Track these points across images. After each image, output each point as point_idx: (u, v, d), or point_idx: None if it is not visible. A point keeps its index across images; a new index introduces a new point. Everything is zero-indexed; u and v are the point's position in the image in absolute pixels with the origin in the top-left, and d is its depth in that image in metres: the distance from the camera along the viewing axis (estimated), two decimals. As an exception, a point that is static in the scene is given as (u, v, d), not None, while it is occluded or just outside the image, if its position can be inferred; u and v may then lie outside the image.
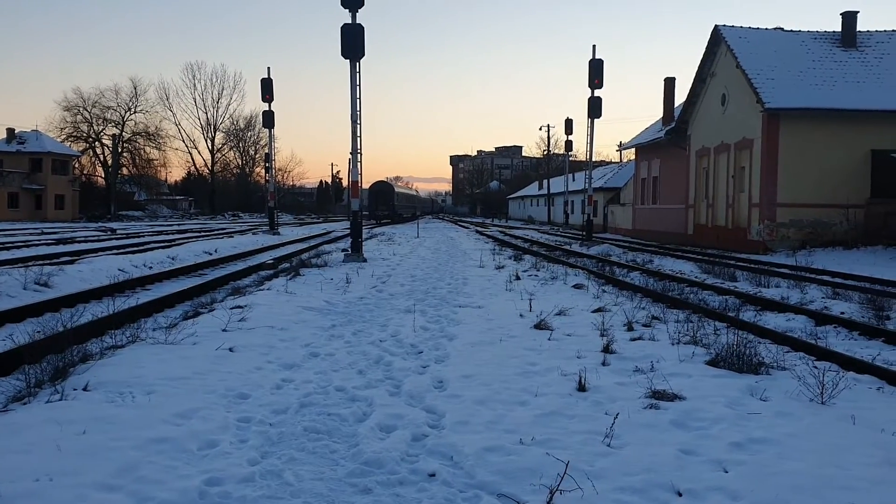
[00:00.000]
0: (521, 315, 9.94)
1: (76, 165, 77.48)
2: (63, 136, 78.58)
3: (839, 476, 4.08)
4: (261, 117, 40.33)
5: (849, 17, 28.74)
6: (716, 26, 29.19)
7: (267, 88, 36.29)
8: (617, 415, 5.04)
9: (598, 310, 10.40)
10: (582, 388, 5.96)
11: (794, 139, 25.49)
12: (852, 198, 25.25)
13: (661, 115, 39.65)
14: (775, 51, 27.52)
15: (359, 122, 20.02)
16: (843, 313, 10.64)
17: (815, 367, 6.49)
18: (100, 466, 4.05)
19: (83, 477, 3.90)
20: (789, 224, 25.68)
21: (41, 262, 16.80)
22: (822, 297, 12.54)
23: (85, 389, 5.55)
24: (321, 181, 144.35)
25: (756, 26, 29.38)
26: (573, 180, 62.22)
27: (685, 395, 5.70)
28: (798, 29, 29.58)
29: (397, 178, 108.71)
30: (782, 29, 29.79)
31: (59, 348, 6.54)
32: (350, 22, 19.19)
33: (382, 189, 67.15)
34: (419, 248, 26.23)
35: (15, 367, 6.46)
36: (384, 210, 64.89)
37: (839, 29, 28.89)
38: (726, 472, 4.20)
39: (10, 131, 70.63)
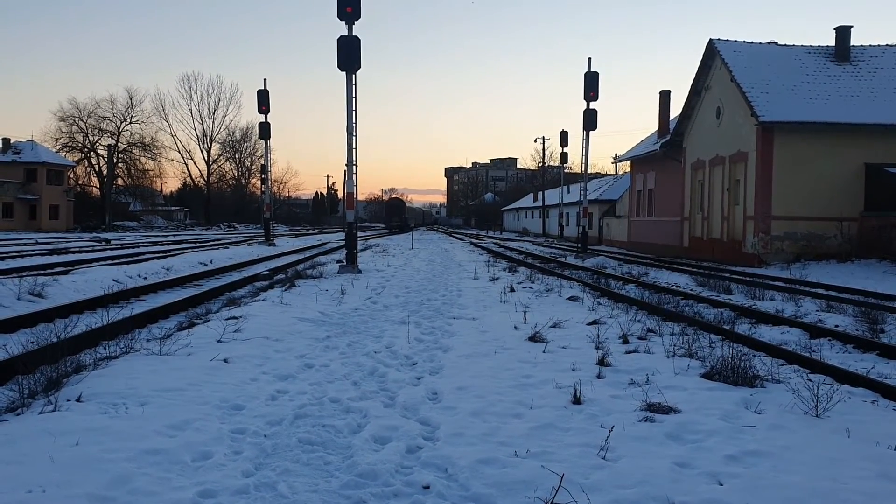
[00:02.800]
0: (515, 327, 9.94)
1: (71, 176, 77.47)
2: (58, 147, 78.68)
3: (834, 489, 4.09)
4: (257, 128, 40.47)
5: (842, 32, 28.97)
6: (711, 40, 29.39)
7: (263, 100, 36.37)
8: (612, 427, 5.04)
9: (594, 322, 10.40)
10: (577, 400, 5.95)
11: (788, 152, 25.64)
12: (846, 211, 25.40)
13: (656, 127, 39.85)
14: (769, 65, 27.73)
15: (354, 133, 20.02)
16: (837, 326, 10.67)
17: (810, 380, 6.50)
18: (93, 478, 4.03)
19: (76, 488, 3.88)
20: (784, 237, 25.79)
21: (35, 272, 16.74)
22: (817, 311, 12.58)
23: (78, 400, 5.52)
24: (317, 192, 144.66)
25: (750, 40, 29.65)
26: (568, 192, 62.42)
27: (680, 408, 5.70)
28: (792, 43, 29.81)
29: (392, 190, 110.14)
30: (776, 43, 29.99)
31: (53, 359, 6.51)
32: (346, 34, 19.25)
33: (396, 204, 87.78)
34: (414, 260, 26.23)
35: (8, 377, 6.43)
36: (397, 221, 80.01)
37: (833, 43, 29.12)
38: (721, 484, 4.19)
39: (6, 141, 70.59)
